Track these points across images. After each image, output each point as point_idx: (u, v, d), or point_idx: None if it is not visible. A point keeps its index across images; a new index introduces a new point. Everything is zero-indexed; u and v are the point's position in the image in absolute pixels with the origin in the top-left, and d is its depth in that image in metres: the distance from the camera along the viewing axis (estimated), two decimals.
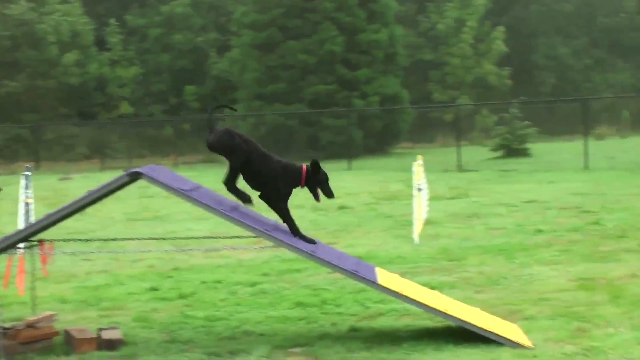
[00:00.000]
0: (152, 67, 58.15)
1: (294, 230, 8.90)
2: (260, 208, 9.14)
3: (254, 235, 8.67)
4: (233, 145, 8.80)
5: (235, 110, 9.78)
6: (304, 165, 9.02)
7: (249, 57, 50.02)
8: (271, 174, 8.88)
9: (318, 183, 9.03)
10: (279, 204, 8.95)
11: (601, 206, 18.85)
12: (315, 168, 8.97)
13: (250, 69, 49.64)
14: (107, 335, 8.71)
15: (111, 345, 8.58)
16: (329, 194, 9.12)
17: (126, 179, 8.45)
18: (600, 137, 49.80)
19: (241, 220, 8.37)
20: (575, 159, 33.63)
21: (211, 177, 32.86)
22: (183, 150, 49.94)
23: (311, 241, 8.87)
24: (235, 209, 8.78)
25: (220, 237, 12.41)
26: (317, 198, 9.11)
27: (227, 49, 55.50)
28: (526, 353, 7.89)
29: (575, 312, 9.43)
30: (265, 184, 8.95)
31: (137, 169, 8.42)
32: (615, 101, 63.34)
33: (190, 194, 8.38)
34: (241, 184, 8.77)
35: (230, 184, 8.83)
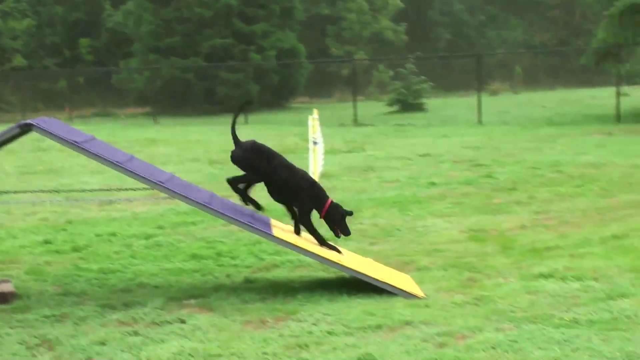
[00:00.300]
0: (45, 19, 56.93)
1: (320, 242, 8.91)
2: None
3: (149, 187, 8.60)
4: (258, 166, 8.90)
5: (252, 103, 9.74)
6: (330, 199, 9.05)
7: (144, 9, 49.31)
8: (296, 188, 8.96)
9: (336, 221, 9.01)
10: (303, 218, 9.00)
11: (493, 160, 19.18)
12: (339, 211, 9.00)
13: (146, 21, 48.96)
14: None
15: (4, 298, 8.46)
16: (345, 231, 9.07)
17: (17, 131, 8.31)
18: (493, 92, 50.58)
19: (135, 172, 8.29)
20: (469, 113, 34.13)
21: (106, 130, 32.53)
22: (77, 103, 49.15)
23: (338, 251, 8.89)
24: (129, 160, 8.71)
25: (114, 190, 12.31)
26: (336, 234, 9.09)
27: (122, 1, 54.61)
28: (418, 303, 8.02)
29: (467, 263, 9.61)
30: (290, 196, 9.04)
31: (29, 121, 8.28)
32: (508, 57, 64.29)
33: (83, 146, 8.27)
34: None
35: (244, 193, 9.06)
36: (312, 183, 9.05)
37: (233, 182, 9.01)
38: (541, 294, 8.14)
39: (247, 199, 9.07)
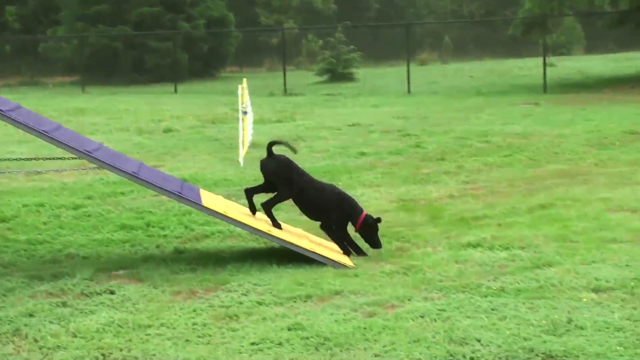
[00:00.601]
0: None
1: (356, 251, 8.92)
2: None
3: (77, 157, 8.52)
4: (290, 178, 8.92)
5: (295, 151, 9.71)
6: (365, 212, 9.01)
7: None
8: (326, 205, 8.96)
9: (370, 234, 8.94)
10: (337, 232, 8.98)
11: (422, 130, 19.30)
12: (374, 223, 8.94)
13: None
14: None
15: None
16: (375, 245, 8.97)
17: None
18: (422, 62, 50.78)
19: (63, 141, 8.19)
20: (399, 83, 34.26)
21: (34, 99, 32.09)
22: (4, 72, 48.36)
23: (364, 253, 8.90)
24: (57, 129, 8.61)
25: (42, 159, 12.17)
26: (372, 246, 9.00)
27: None
28: (348, 273, 8.08)
29: (396, 232, 9.69)
30: (321, 213, 9.04)
31: None
32: (437, 27, 64.57)
33: (8, 114, 8.15)
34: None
35: (269, 208, 8.95)
36: (341, 198, 9.05)
37: (267, 206, 8.99)
38: (469, 263, 8.25)
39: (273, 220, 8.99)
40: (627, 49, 48.59)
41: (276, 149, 9.27)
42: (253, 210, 9.12)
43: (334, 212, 8.96)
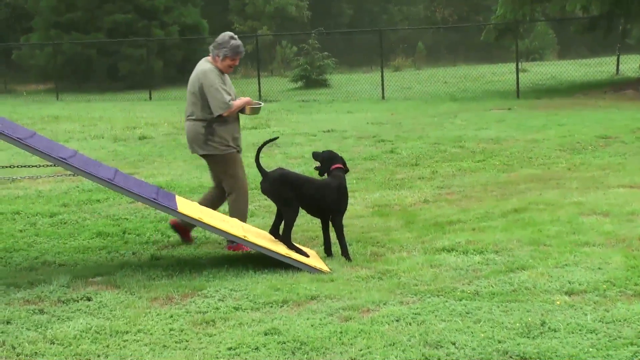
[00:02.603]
0: None
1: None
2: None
3: (52, 164, 8.53)
4: (287, 197, 8.79)
5: (277, 138, 9.84)
6: (336, 165, 9.19)
7: None
8: (331, 204, 8.96)
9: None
10: (339, 224, 9.00)
11: (396, 135, 19.38)
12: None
13: None
14: None
15: None
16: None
17: None
18: (396, 68, 50.91)
19: (38, 148, 8.19)
20: (373, 89, 34.35)
21: (7, 107, 32.02)
22: None
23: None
24: (31, 136, 8.61)
25: (17, 167, 12.14)
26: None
27: None
28: (323, 278, 8.13)
29: (371, 238, 9.75)
30: (326, 212, 9.05)
31: None
32: (410, 33, 64.79)
33: None
34: None
35: (288, 240, 8.81)
36: (339, 191, 9.02)
37: (285, 237, 8.89)
38: (444, 267, 8.31)
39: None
40: (598, 54, 48.87)
41: (264, 156, 9.27)
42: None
43: (337, 202, 8.97)
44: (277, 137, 10.24)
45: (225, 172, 9.70)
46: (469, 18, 71.62)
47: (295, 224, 9.02)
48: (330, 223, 9.06)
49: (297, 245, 8.88)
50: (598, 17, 34.61)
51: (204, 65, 9.67)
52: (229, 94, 9.51)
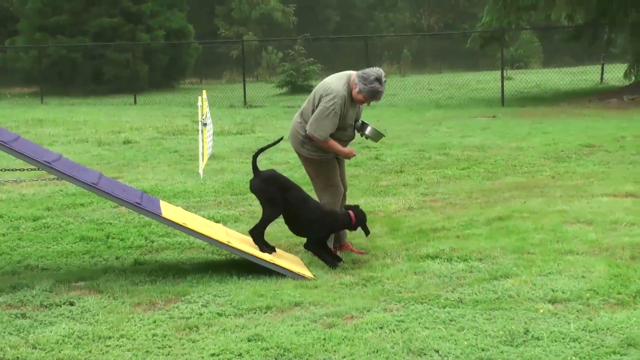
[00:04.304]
0: None
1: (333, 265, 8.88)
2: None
3: (36, 168, 8.50)
4: (273, 198, 8.82)
5: (279, 141, 9.79)
6: (351, 211, 9.15)
7: None
8: (308, 219, 8.92)
9: (362, 225, 9.14)
10: (312, 246, 9.00)
11: (381, 142, 19.29)
12: (361, 215, 9.15)
13: None
14: None
15: None
16: (367, 232, 9.26)
17: None
18: None
19: (21, 152, 8.16)
20: None
21: None
22: None
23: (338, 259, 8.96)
24: (15, 139, 8.58)
25: (1, 170, 12.11)
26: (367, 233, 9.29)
27: None
28: (307, 284, 8.12)
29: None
30: (303, 227, 9.04)
31: None
32: (396, 40, 64.88)
33: None
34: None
35: (258, 234, 8.88)
36: (324, 214, 9.03)
37: (255, 232, 8.95)
38: (428, 275, 8.31)
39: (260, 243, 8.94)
40: (583, 63, 49.11)
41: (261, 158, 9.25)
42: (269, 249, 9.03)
43: (316, 226, 8.95)
44: (282, 138, 10.22)
45: (316, 175, 9.70)
46: (454, 26, 71.85)
47: (280, 229, 9.00)
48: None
49: (267, 242, 8.95)
50: (583, 26, 34.77)
51: (340, 86, 9.29)
52: (334, 127, 9.31)
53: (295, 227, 9.15)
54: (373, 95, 9.23)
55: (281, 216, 9.10)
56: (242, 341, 6.50)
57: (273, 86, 43.20)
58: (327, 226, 9.01)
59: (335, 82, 9.34)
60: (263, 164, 15.95)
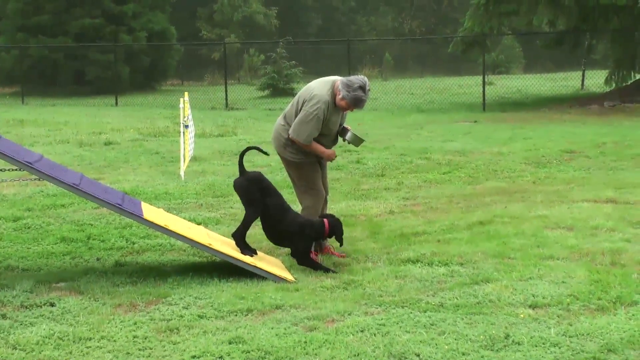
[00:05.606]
0: None
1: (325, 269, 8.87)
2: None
3: (17, 168, 8.47)
4: (254, 198, 8.84)
5: (267, 154, 9.77)
6: (326, 220, 9.15)
7: None
8: (288, 230, 8.93)
9: (336, 235, 9.18)
10: (302, 260, 8.97)
11: (363, 146, 19.34)
12: (336, 226, 9.18)
13: None
14: None
15: None
16: (341, 243, 9.31)
17: None
18: None
19: (2, 152, 8.12)
20: None
21: None
22: None
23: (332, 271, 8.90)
24: None
25: None
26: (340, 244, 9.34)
27: None
28: (288, 287, 8.12)
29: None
30: (282, 238, 9.06)
31: None
32: (378, 44, 64.97)
33: None
34: None
35: (240, 237, 8.89)
36: (302, 225, 9.01)
37: (237, 235, 8.97)
38: (409, 279, 8.33)
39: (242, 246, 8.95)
40: (564, 69, 49.29)
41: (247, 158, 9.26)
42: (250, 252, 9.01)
43: (296, 240, 8.97)
44: (268, 154, 10.22)
45: (298, 178, 9.72)
46: (436, 30, 72.02)
47: (261, 232, 9.00)
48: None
49: (249, 245, 8.97)
50: (564, 32, 34.91)
51: (324, 92, 9.28)
52: (317, 132, 9.30)
53: (273, 236, 9.14)
54: (356, 103, 9.25)
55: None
56: (223, 343, 6.50)
57: (255, 89, 43.20)
58: (307, 236, 9.02)
59: (319, 87, 9.34)
60: (245, 166, 15.96)
